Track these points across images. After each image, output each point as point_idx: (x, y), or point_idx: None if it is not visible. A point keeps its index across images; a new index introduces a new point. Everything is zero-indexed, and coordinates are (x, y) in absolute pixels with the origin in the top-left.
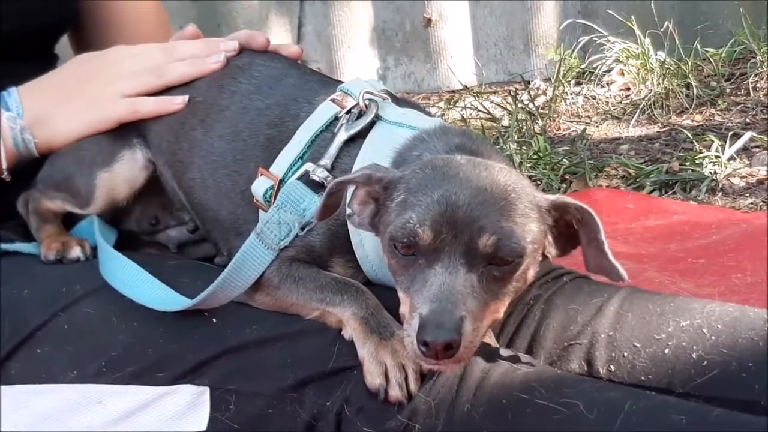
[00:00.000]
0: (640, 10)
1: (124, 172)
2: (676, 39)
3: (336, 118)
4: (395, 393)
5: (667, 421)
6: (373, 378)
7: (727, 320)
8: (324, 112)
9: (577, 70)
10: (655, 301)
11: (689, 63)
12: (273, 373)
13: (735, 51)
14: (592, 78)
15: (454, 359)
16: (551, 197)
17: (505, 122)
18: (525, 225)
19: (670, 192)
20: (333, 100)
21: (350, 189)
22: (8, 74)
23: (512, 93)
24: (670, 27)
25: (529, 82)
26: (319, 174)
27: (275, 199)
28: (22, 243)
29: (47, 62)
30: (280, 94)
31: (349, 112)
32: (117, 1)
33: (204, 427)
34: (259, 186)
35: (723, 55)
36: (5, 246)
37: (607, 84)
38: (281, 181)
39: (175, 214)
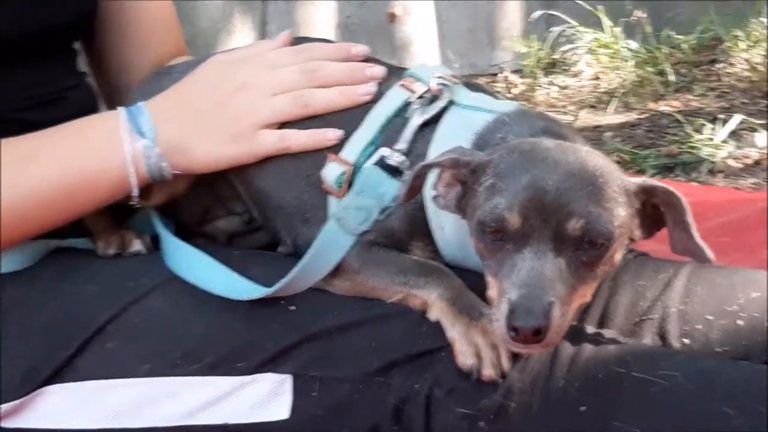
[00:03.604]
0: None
1: None
2: (647, 27)
3: (407, 104)
4: (489, 372)
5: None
6: (465, 358)
7: None
8: (395, 97)
9: (546, 61)
10: (722, 274)
11: (664, 50)
12: (357, 358)
13: (705, 37)
14: (564, 68)
15: (543, 344)
16: (638, 181)
17: None
18: (613, 210)
19: (671, 175)
20: (402, 86)
21: (434, 171)
22: (26, 74)
23: (488, 85)
24: (641, 15)
25: (496, 74)
26: (395, 159)
27: (348, 184)
28: (76, 238)
29: (67, 59)
30: None
31: (420, 97)
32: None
33: (287, 414)
34: (331, 172)
35: (693, 42)
36: (60, 242)
37: (575, 74)
38: (354, 166)
39: (227, 204)
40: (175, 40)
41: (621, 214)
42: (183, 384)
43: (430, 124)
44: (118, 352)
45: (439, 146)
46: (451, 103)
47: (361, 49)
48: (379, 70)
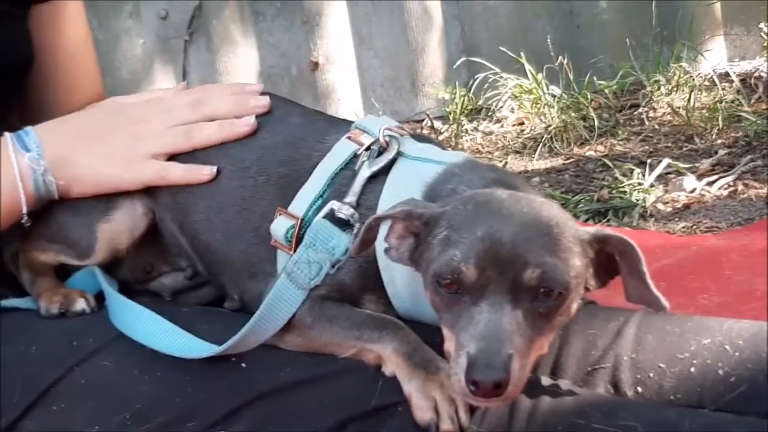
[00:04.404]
0: (526, 47)
1: (124, 221)
2: (570, 74)
3: (355, 156)
4: (447, 426)
5: None
6: (423, 413)
7: (747, 336)
8: (342, 149)
9: (470, 107)
10: (672, 322)
11: (588, 96)
12: (311, 416)
13: (626, 83)
14: (488, 114)
15: (503, 397)
16: (592, 230)
17: None
18: (568, 260)
19: (603, 220)
20: (349, 138)
21: (386, 224)
22: None
23: (415, 132)
24: (564, 62)
25: (421, 121)
26: (345, 212)
27: (297, 238)
28: (17, 299)
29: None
30: (286, 133)
31: (368, 149)
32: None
33: None
34: (280, 226)
35: (614, 87)
36: (2, 303)
37: (499, 120)
38: (302, 220)
39: (171, 260)
40: (98, 87)
41: (576, 264)
42: None
43: (379, 176)
44: (64, 414)
45: (388, 198)
46: (399, 154)
47: (253, 86)
48: (263, 100)
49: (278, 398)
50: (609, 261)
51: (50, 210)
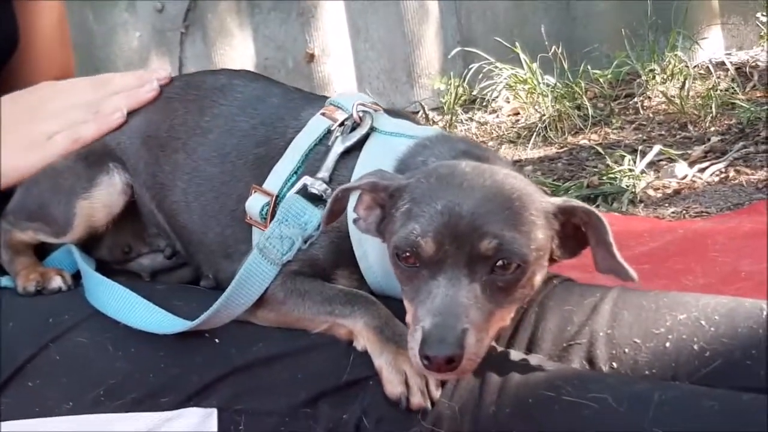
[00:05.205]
0: (521, 38)
1: (102, 198)
2: (565, 63)
3: (329, 132)
4: (417, 400)
5: (699, 409)
6: (393, 387)
7: (723, 311)
8: (316, 126)
9: (464, 97)
10: (648, 298)
11: (582, 85)
12: (283, 390)
13: (621, 72)
14: (483, 104)
15: (457, 371)
16: (558, 201)
17: None
18: (530, 233)
19: (593, 206)
20: (323, 114)
21: (355, 195)
22: None
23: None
24: (559, 51)
25: (417, 112)
26: (317, 187)
27: (272, 214)
28: None
29: None
30: (265, 114)
31: (342, 124)
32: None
33: None
34: (255, 203)
35: (609, 76)
36: None
37: (495, 110)
38: (277, 197)
39: (149, 240)
40: (68, 64)
41: (539, 236)
42: (107, 421)
43: (353, 151)
44: (38, 390)
45: (361, 173)
46: (372, 129)
47: (162, 73)
48: (164, 72)
49: (251, 373)
50: (577, 232)
51: (31, 189)
